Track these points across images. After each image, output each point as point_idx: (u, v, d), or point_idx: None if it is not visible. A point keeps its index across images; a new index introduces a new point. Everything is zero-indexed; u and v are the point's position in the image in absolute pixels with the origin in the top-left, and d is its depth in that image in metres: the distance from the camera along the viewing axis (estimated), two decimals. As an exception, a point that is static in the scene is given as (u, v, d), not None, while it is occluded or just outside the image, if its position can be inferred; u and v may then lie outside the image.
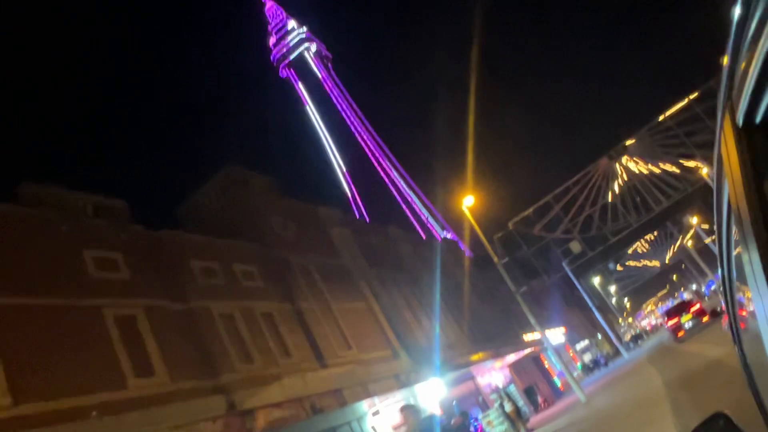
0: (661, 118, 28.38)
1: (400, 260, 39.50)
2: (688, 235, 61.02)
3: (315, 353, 24.28)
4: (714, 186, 1.65)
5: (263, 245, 25.94)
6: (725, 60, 1.24)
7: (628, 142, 30.89)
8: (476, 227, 29.93)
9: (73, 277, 16.16)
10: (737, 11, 1.12)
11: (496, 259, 29.39)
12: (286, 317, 23.94)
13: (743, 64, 1.13)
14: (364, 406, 23.92)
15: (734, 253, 1.68)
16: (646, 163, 30.78)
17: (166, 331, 17.66)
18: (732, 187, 1.38)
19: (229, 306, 21.00)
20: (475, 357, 34.59)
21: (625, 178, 31.40)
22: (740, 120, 1.25)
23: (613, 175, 31.53)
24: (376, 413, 24.08)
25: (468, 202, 31.02)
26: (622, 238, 30.60)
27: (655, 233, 59.59)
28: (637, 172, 31.04)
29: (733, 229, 1.51)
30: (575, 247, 30.87)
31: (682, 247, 65.72)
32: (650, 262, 67.52)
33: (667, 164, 30.29)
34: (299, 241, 28.95)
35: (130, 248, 18.63)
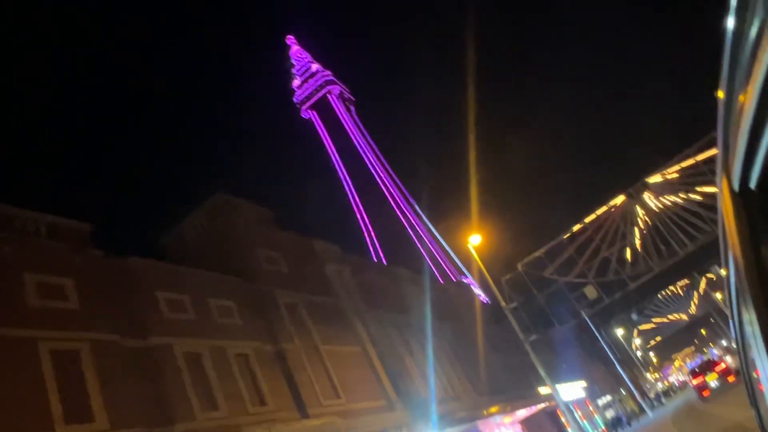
0: (685, 158, 26.24)
1: (403, 302, 37.11)
2: (717, 288, 57.40)
3: (295, 401, 21.89)
4: (721, 246, 1.68)
5: (246, 279, 23.95)
6: (718, 131, 1.28)
7: (650, 179, 28.58)
8: (482, 267, 27.62)
9: (7, 303, 14.28)
10: (721, 96, 1.21)
11: (503, 303, 26.94)
12: (264, 359, 21.70)
13: (735, 135, 1.17)
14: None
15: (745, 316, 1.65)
16: (668, 200, 28.33)
17: (115, 370, 15.58)
18: (733, 250, 1.42)
19: (196, 344, 18.89)
20: (483, 411, 31.64)
21: (646, 219, 28.92)
22: (736, 184, 1.30)
23: (633, 215, 29.05)
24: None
25: (474, 240, 28.80)
26: (644, 284, 27.91)
27: (681, 283, 56.20)
28: (658, 211, 28.52)
29: (741, 292, 1.52)
30: (591, 292, 28.21)
31: (711, 300, 62.01)
32: (677, 314, 63.57)
33: (693, 204, 27.82)
34: (290, 276, 26.91)
35: (85, 275, 16.77)
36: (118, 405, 15.03)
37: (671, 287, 56.91)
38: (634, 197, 28.67)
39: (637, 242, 28.76)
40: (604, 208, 28.97)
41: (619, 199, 28.88)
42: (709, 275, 57.41)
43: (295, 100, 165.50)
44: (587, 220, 29.00)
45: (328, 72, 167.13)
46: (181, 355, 18.08)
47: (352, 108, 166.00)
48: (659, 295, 56.79)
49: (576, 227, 29.33)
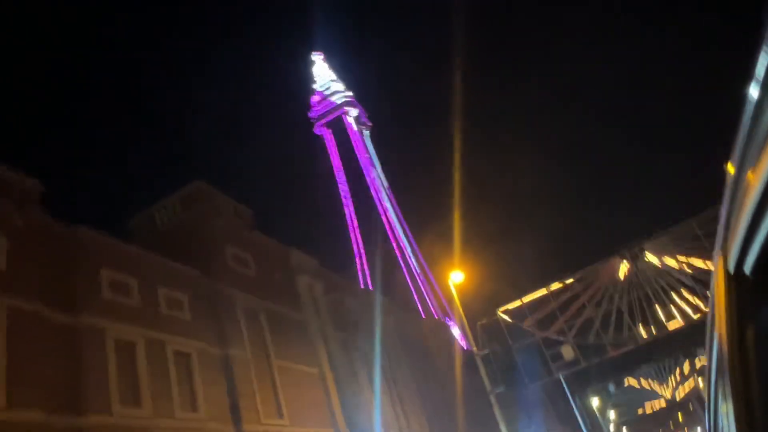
0: (687, 228, 24.98)
1: (375, 331, 35.43)
2: (700, 374, 55.44)
3: (232, 413, 20.20)
4: (708, 326, 1.71)
5: (207, 275, 22.48)
6: (722, 209, 1.29)
7: (647, 244, 27.24)
8: (459, 308, 26.11)
9: None
10: (731, 171, 1.19)
11: (475, 348, 25.34)
12: (207, 362, 20.10)
13: (738, 214, 1.16)
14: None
15: (721, 407, 1.62)
16: (663, 269, 26.93)
17: (28, 343, 14.06)
18: (719, 336, 1.43)
19: (132, 333, 17.36)
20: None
21: (638, 285, 27.50)
22: (731, 266, 1.28)
23: (624, 279, 27.65)
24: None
25: (456, 278, 27.34)
26: (625, 354, 26.35)
27: (664, 363, 54.16)
28: (650, 278, 27.13)
29: (721, 380, 1.50)
30: (567, 352, 26.60)
31: (693, 386, 59.97)
32: (656, 393, 61.35)
33: (688, 278, 26.43)
34: (256, 281, 25.42)
35: (22, 236, 15.39)
36: (24, 382, 13.48)
37: (653, 364, 54.96)
38: (629, 260, 27.33)
39: (625, 308, 27.29)
40: (595, 266, 27.57)
41: (613, 260, 27.53)
42: (696, 360, 55.58)
43: (310, 115, 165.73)
44: (576, 275, 27.58)
45: (350, 93, 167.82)
46: (112, 341, 16.56)
47: (367, 133, 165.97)
48: (640, 372, 54.80)
49: (563, 281, 27.86)
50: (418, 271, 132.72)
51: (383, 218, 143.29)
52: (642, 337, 26.96)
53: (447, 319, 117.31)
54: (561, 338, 27.05)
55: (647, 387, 57.05)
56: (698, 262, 25.94)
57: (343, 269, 38.63)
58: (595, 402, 63.90)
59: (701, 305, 25.74)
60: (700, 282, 25.96)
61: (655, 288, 27.03)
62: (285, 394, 23.32)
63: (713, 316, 1.51)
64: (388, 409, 31.70)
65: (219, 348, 21.09)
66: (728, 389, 1.28)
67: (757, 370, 1.22)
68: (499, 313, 29.36)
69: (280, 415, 22.56)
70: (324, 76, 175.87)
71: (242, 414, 20.36)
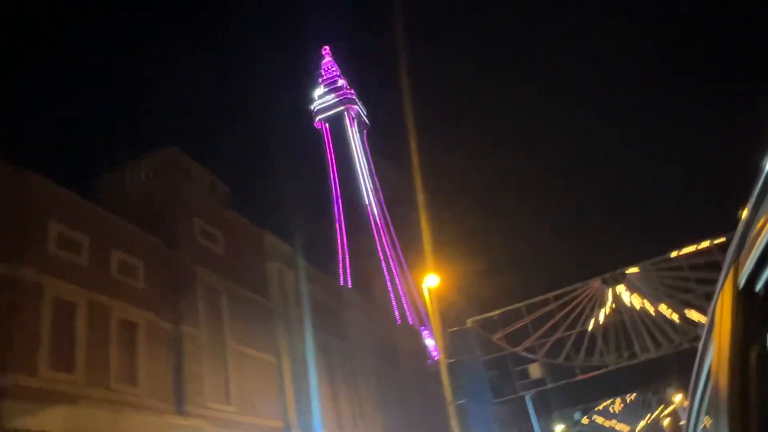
0: (674, 254, 24.19)
1: (345, 329, 34.37)
2: (667, 411, 54.91)
3: (175, 393, 19.06)
4: (699, 349, 1.63)
5: (170, 245, 21.34)
6: (743, 215, 1.24)
7: (629, 271, 26.44)
8: (430, 311, 25.12)
9: None
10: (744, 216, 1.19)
11: (442, 357, 24.35)
12: (155, 336, 18.95)
13: (758, 227, 1.14)
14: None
15: (701, 426, 1.68)
16: (643, 299, 26.10)
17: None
18: (717, 352, 1.37)
19: (75, 293, 16.20)
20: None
21: (615, 311, 26.65)
22: (742, 282, 1.26)
23: (602, 303, 26.80)
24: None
25: (431, 282, 26.35)
26: (593, 379, 25.59)
27: (632, 396, 53.61)
28: (629, 306, 26.26)
29: (706, 399, 1.56)
30: (534, 371, 25.67)
31: (657, 423, 59.42)
32: (621, 426, 60.80)
33: (668, 308, 25.62)
34: (223, 259, 24.28)
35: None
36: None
37: (620, 396, 54.34)
38: (609, 284, 26.48)
39: (599, 333, 26.41)
40: (575, 287, 26.68)
41: (594, 283, 26.67)
42: (671, 398, 55.00)
43: (312, 108, 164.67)
44: (554, 293, 26.71)
45: (352, 91, 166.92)
46: (51, 298, 15.40)
47: (365, 132, 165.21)
48: (607, 402, 54.19)
49: (540, 298, 26.95)
50: (399, 276, 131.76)
51: (370, 217, 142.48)
52: (613, 363, 26.11)
53: (422, 327, 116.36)
54: (530, 356, 26.17)
55: (613, 421, 56.32)
56: (678, 294, 25.17)
57: (321, 264, 37.57)
58: (559, 427, 63.16)
59: (675, 339, 24.89)
60: (680, 313, 25.18)
61: (632, 315, 26.22)
62: (237, 380, 22.20)
63: (710, 329, 1.47)
64: (344, 410, 30.63)
65: (171, 323, 19.94)
66: (723, 405, 1.24)
67: (757, 387, 1.19)
68: (469, 322, 28.40)
69: (228, 402, 21.43)
70: (331, 70, 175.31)
71: (186, 394, 19.22)
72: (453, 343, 28.71)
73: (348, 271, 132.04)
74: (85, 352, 15.87)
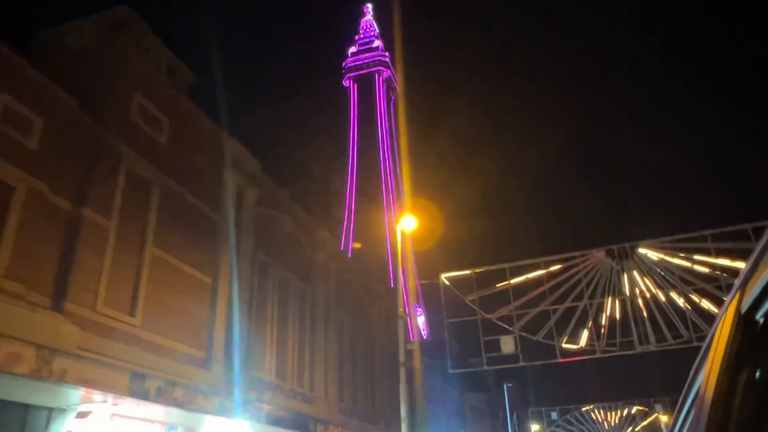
0: (699, 234, 19.96)
1: (311, 270, 30.63)
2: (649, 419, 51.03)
3: (56, 286, 15.41)
4: (693, 369, 1.61)
5: (93, 116, 17.54)
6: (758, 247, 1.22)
7: (642, 246, 22.20)
8: (399, 256, 21.21)
9: None
10: None
11: (401, 310, 20.51)
12: (41, 210, 15.24)
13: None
14: (78, 396, 14.87)
15: None
16: (652, 280, 21.94)
17: None
18: (707, 372, 1.38)
19: None
20: (319, 426, 25.23)
21: (615, 289, 22.51)
22: (745, 306, 1.26)
23: (602, 277, 22.67)
24: (83, 414, 14.92)
25: (407, 224, 22.38)
26: (575, 366, 21.77)
27: (618, 412, 49.63)
28: (634, 287, 22.11)
29: (689, 420, 1.56)
30: (507, 345, 21.69)
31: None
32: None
33: (680, 296, 21.44)
34: (163, 151, 20.47)
35: None
36: None
37: (603, 409, 50.41)
38: (615, 259, 22.29)
39: (592, 312, 22.29)
40: (573, 255, 22.45)
41: (597, 255, 22.45)
42: (657, 416, 51.03)
43: (343, 65, 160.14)
44: (545, 259, 22.54)
45: (387, 54, 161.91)
46: None
47: (393, 98, 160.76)
48: (588, 407, 50.32)
49: (527, 261, 22.76)
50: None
51: (382, 184, 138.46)
52: (603, 350, 21.98)
53: (416, 306, 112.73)
54: (506, 326, 22.20)
55: (594, 427, 52.46)
56: (696, 282, 20.82)
57: (305, 203, 33.62)
58: (534, 427, 59.65)
59: (683, 333, 20.68)
60: (693, 303, 20.99)
61: (637, 300, 22.04)
62: (151, 291, 18.53)
63: (707, 350, 1.47)
64: (292, 358, 27.03)
65: (70, 202, 16.22)
66: (702, 427, 1.26)
67: (739, 415, 1.22)
68: (442, 277, 24.43)
69: (132, 313, 17.77)
70: (368, 29, 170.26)
71: (70, 289, 15.56)
72: (422, 297, 24.64)
73: (351, 237, 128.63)
74: None
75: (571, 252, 22.22)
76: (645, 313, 21.70)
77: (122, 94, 19.06)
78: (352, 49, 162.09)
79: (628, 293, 22.31)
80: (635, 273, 22.18)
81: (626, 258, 22.16)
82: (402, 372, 20.51)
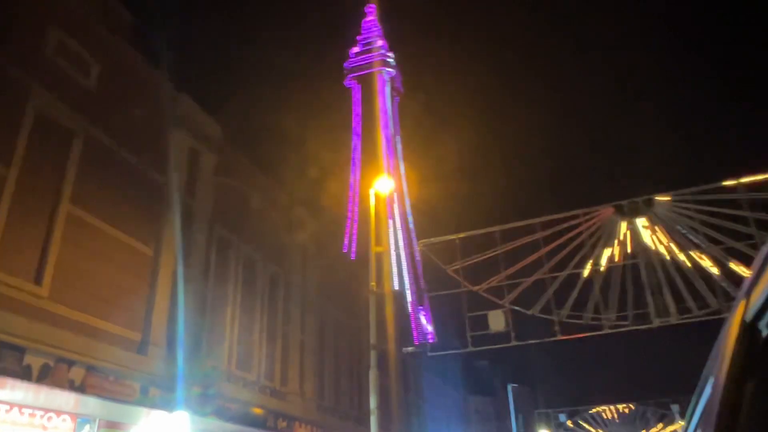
0: (728, 183, 16.69)
1: (281, 249, 27.47)
2: (668, 429, 47.32)
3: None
4: (702, 378, 1.61)
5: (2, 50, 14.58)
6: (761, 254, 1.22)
7: (659, 199, 18.81)
8: (372, 223, 18.05)
9: None
10: None
11: (372, 284, 17.36)
12: None
13: None
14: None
15: None
16: (672, 240, 18.55)
17: None
18: (716, 383, 1.36)
19: None
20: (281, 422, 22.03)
21: (627, 252, 19.14)
22: (749, 316, 1.25)
23: (610, 239, 19.29)
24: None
25: (382, 187, 19.27)
26: (578, 343, 18.46)
27: (631, 406, 45.98)
28: (650, 248, 18.72)
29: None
30: (496, 321, 18.28)
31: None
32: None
33: (705, 257, 18.04)
34: (92, 97, 17.43)
35: None
36: None
37: (615, 406, 46.80)
38: (626, 215, 18.92)
39: (599, 280, 18.84)
40: (577, 214, 19.02)
41: (605, 212, 19.08)
42: (674, 419, 47.34)
43: (345, 65, 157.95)
44: (542, 219, 19.17)
45: (391, 53, 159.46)
46: None
47: (397, 99, 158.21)
48: (599, 408, 46.72)
49: (520, 223, 19.36)
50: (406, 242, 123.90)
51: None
52: (612, 325, 18.52)
53: (422, 309, 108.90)
54: (494, 299, 18.84)
55: (607, 428, 48.80)
56: (702, 259, 17.41)
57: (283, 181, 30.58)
58: (542, 431, 56.07)
59: (711, 302, 17.26)
60: (722, 266, 17.58)
61: (653, 265, 18.60)
62: (65, 257, 15.44)
63: (715, 358, 1.45)
64: (258, 346, 23.85)
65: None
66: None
67: (746, 426, 1.20)
68: (420, 245, 21.15)
69: (38, 281, 14.68)
70: (371, 29, 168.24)
71: (-57, 245, 12.51)
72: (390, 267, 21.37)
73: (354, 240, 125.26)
74: None
75: (575, 208, 18.85)
76: (663, 280, 18.31)
77: (34, 26, 16.07)
78: (355, 49, 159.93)
79: (641, 257, 18.92)
80: (650, 232, 18.79)
81: (639, 215, 18.81)
82: (373, 355, 17.32)
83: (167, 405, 17.24)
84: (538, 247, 18.92)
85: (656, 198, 18.77)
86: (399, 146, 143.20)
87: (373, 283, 18.05)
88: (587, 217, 19.09)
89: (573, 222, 19.17)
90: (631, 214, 18.93)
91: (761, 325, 1.18)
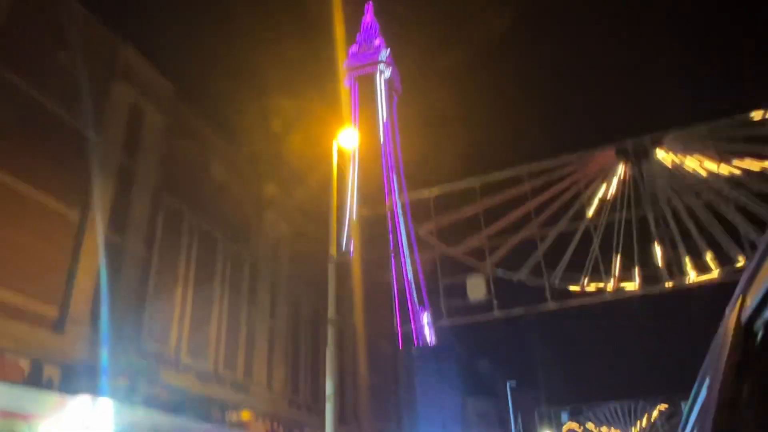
0: (756, 114, 14.04)
1: (246, 227, 24.74)
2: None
3: None
4: (699, 376, 1.59)
5: None
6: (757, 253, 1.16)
7: (670, 140, 16.00)
8: (334, 180, 15.39)
9: None
10: None
11: (333, 250, 14.68)
12: None
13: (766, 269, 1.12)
14: None
15: None
16: (687, 187, 15.69)
17: None
18: (713, 382, 1.37)
19: None
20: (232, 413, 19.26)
21: (634, 201, 16.23)
22: (745, 317, 1.25)
23: (612, 187, 16.45)
24: None
25: (346, 140, 16.59)
26: (573, 313, 15.65)
27: (626, 406, 43.09)
28: (660, 197, 15.79)
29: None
30: (476, 288, 15.46)
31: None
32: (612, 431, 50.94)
33: (728, 204, 15.21)
34: (4, 37, 14.88)
35: None
36: None
37: (617, 403, 43.96)
38: (629, 158, 16.12)
39: (599, 234, 16.00)
40: (571, 158, 16.08)
41: (605, 155, 16.22)
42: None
43: (345, 65, 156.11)
44: (530, 167, 16.35)
45: (389, 52, 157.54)
46: None
47: (395, 98, 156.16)
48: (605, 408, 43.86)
49: (503, 174, 16.47)
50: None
51: (385, 189, 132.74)
52: (615, 289, 15.61)
53: (422, 309, 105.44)
54: (474, 263, 15.99)
55: (605, 426, 45.95)
56: (720, 202, 14.61)
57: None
58: (545, 433, 53.21)
59: (735, 257, 14.45)
60: (750, 216, 14.78)
61: (663, 218, 15.78)
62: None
63: (713, 356, 1.42)
64: (206, 330, 21.08)
65: None
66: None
67: (742, 423, 1.21)
68: (389, 205, 18.29)
69: None
70: (369, 29, 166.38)
71: None
72: (366, 233, 18.65)
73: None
74: None
75: (570, 152, 15.89)
76: (676, 233, 15.44)
77: None
78: (353, 48, 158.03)
79: (650, 206, 16.08)
80: (659, 177, 15.96)
81: (645, 158, 16.00)
82: (330, 333, 14.62)
83: (88, 392, 14.52)
84: (525, 200, 16.13)
85: (665, 136, 15.83)
86: (399, 150, 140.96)
87: (333, 249, 15.35)
88: (583, 163, 16.22)
89: (566, 170, 16.36)
90: (636, 157, 16.10)
91: (756, 326, 1.17)
